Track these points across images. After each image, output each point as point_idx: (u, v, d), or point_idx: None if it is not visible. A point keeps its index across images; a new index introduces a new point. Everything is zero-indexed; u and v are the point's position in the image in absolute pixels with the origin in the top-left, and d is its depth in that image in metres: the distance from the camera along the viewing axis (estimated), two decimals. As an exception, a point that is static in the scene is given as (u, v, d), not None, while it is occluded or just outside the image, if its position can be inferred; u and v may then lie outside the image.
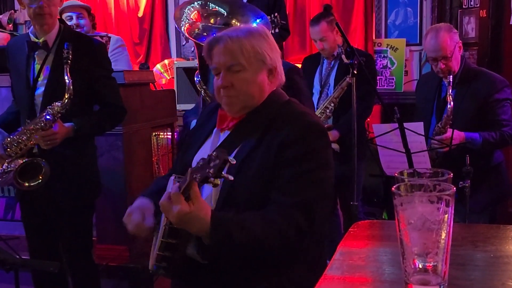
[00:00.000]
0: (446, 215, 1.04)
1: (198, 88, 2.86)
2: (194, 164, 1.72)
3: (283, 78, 1.94)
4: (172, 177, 1.64)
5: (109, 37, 4.34)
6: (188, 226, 1.62)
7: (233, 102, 1.85)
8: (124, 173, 3.46)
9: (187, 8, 2.86)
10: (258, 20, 2.83)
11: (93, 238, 3.09)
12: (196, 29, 2.84)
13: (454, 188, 1.04)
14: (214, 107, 2.02)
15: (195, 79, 2.87)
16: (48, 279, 2.97)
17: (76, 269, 2.94)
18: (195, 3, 2.91)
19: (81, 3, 4.59)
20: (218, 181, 1.53)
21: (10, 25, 6.38)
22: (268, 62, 1.86)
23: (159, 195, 1.87)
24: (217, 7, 2.92)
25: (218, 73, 1.86)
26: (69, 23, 4.24)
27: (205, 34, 2.84)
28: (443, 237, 1.04)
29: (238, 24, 2.86)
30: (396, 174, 1.16)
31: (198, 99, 3.12)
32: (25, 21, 6.46)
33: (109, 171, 3.28)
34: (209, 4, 2.92)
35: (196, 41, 2.81)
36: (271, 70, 1.88)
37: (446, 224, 1.04)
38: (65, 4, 4.41)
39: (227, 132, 1.90)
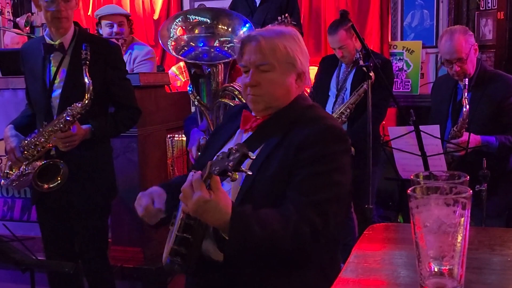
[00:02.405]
0: (463, 218, 1.03)
1: (192, 98, 2.89)
2: None
3: (310, 83, 1.94)
4: (192, 172, 1.65)
5: (125, 40, 4.35)
6: (206, 216, 1.61)
7: (258, 100, 1.87)
8: (138, 175, 3.47)
9: (172, 27, 2.91)
10: (247, 25, 2.87)
11: (109, 240, 3.11)
12: (182, 43, 2.89)
13: (471, 191, 1.04)
14: (238, 109, 2.04)
15: (188, 89, 2.91)
16: (64, 280, 2.99)
17: (92, 270, 2.96)
18: (177, 20, 2.96)
19: (122, 11, 4.58)
20: (237, 175, 1.52)
21: (27, 28, 6.45)
22: (298, 65, 1.87)
23: (173, 188, 1.91)
24: (197, 18, 2.98)
25: (247, 71, 1.88)
26: (108, 30, 4.28)
27: (192, 44, 2.89)
28: (459, 240, 1.03)
29: (226, 29, 2.90)
30: (412, 177, 1.16)
31: (195, 108, 3.16)
32: (42, 24, 6.51)
33: (124, 173, 3.29)
34: (189, 17, 2.98)
35: (179, 57, 2.87)
36: (299, 74, 1.89)
37: (462, 227, 1.03)
38: (105, 11, 4.44)
39: (250, 133, 1.91)
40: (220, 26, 2.92)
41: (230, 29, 2.91)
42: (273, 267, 1.75)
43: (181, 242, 1.71)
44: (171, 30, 2.91)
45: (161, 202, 1.90)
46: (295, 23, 4.34)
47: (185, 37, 2.91)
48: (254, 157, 1.55)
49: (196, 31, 2.93)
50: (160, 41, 2.93)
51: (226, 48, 2.89)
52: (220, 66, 2.83)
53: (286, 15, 4.14)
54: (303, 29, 5.33)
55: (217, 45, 2.91)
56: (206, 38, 2.92)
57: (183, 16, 2.99)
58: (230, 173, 1.50)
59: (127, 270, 3.41)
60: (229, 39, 2.90)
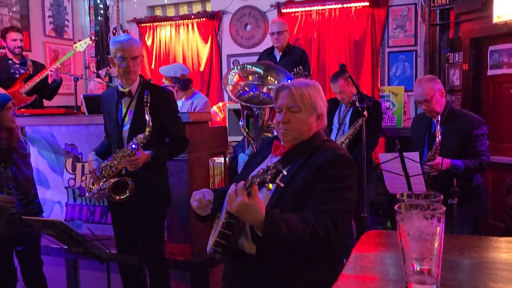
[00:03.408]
0: (438, 228, 1.01)
1: (242, 130, 2.89)
2: None
3: (326, 123, 1.97)
4: (233, 184, 1.66)
5: (179, 87, 4.41)
6: (245, 215, 1.62)
7: (287, 134, 1.89)
8: (187, 189, 3.47)
9: (230, 74, 2.93)
10: (289, 81, 2.86)
11: (165, 238, 3.10)
12: (239, 87, 2.90)
13: (444, 208, 1.01)
14: (270, 140, 2.07)
15: (240, 123, 2.92)
16: (130, 269, 2.99)
17: (152, 262, 2.95)
18: (235, 68, 2.98)
19: (175, 74, 4.48)
20: (271, 186, 1.54)
21: (106, 78, 6.60)
22: (318, 109, 1.89)
23: (218, 194, 1.94)
24: (253, 68, 2.98)
25: (280, 111, 1.90)
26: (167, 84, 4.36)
27: (246, 89, 2.90)
28: (436, 246, 1.00)
29: (273, 81, 2.90)
30: (397, 196, 1.13)
31: (243, 137, 3.17)
32: (117, 75, 6.66)
33: (176, 188, 3.30)
34: (246, 66, 2.99)
35: (237, 99, 2.86)
36: (319, 115, 1.91)
37: (438, 236, 1.00)
38: (164, 73, 4.49)
39: (278, 157, 1.92)
40: (269, 77, 2.93)
41: (276, 82, 2.91)
42: (294, 260, 1.74)
43: (223, 236, 1.72)
44: (229, 76, 2.93)
45: (210, 196, 1.93)
46: (306, 73, 4.35)
47: (241, 83, 2.93)
48: (286, 173, 1.56)
49: (250, 78, 2.94)
50: (223, 87, 2.94)
51: (272, 95, 2.89)
52: (266, 108, 2.84)
53: (300, 67, 4.15)
54: (313, 78, 5.34)
55: (265, 91, 2.91)
56: (257, 85, 2.93)
57: (242, 66, 3.01)
58: (267, 184, 1.52)
59: (179, 262, 3.40)
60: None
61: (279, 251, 1.68)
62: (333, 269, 1.75)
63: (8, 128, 3.04)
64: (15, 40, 4.78)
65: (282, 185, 1.56)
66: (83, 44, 5.14)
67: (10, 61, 4.84)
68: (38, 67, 4.95)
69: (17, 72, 4.81)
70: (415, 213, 1.02)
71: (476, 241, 1.38)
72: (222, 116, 5.82)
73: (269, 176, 1.51)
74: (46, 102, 5.15)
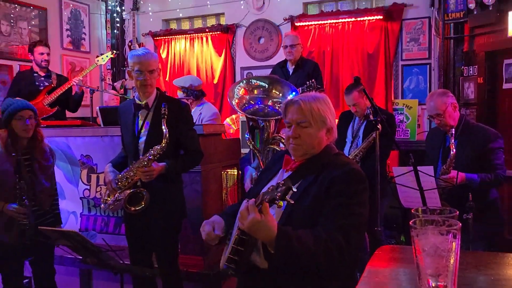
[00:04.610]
0: (454, 244, 1.01)
1: (248, 143, 2.92)
2: None
3: (336, 136, 1.97)
4: (245, 201, 1.66)
5: (193, 99, 4.45)
6: (257, 232, 1.62)
7: (298, 149, 1.90)
8: (201, 201, 3.50)
9: (236, 88, 2.96)
10: (293, 93, 2.89)
11: (178, 250, 3.11)
12: (244, 100, 2.93)
13: (460, 224, 1.01)
14: (281, 155, 2.07)
15: (245, 136, 2.94)
16: (143, 280, 3.00)
17: (166, 274, 2.95)
18: (241, 83, 3.02)
19: (184, 84, 4.53)
20: (282, 204, 1.55)
21: (122, 90, 6.69)
22: (328, 123, 1.90)
23: (229, 216, 1.94)
24: (258, 82, 3.02)
25: (289, 126, 1.91)
26: (182, 95, 4.41)
27: (252, 102, 2.93)
28: (451, 262, 1.00)
29: (278, 93, 2.93)
30: (412, 211, 1.14)
31: (249, 151, 3.19)
32: (132, 87, 6.74)
33: (190, 199, 3.32)
34: (252, 81, 3.03)
35: (242, 112, 2.89)
36: (329, 129, 1.91)
37: (454, 252, 1.00)
38: (178, 84, 4.55)
39: (289, 172, 1.92)
40: (273, 91, 2.95)
41: (281, 94, 2.94)
42: (307, 276, 1.73)
43: (236, 252, 1.73)
44: (235, 90, 2.96)
45: (219, 229, 1.92)
46: (319, 86, 4.36)
47: (246, 96, 2.96)
48: (295, 190, 1.56)
49: (255, 92, 2.97)
50: (228, 100, 2.98)
51: (277, 107, 2.91)
52: (272, 121, 2.86)
53: (313, 80, 4.16)
54: (326, 91, 5.35)
55: (270, 104, 2.93)
56: (262, 99, 2.95)
57: (247, 80, 3.04)
58: (277, 201, 1.53)
59: (191, 274, 3.41)
60: (280, 100, 2.92)
61: (292, 267, 1.68)
62: (347, 285, 1.74)
63: (29, 138, 3.03)
64: (42, 54, 4.92)
65: (292, 202, 1.57)
66: (105, 58, 5.27)
67: (35, 74, 4.98)
68: (62, 80, 5.09)
69: (41, 84, 4.94)
70: (431, 229, 1.03)
71: (492, 257, 1.37)
72: (235, 128, 5.85)
73: (279, 194, 1.52)
74: (67, 114, 5.25)
